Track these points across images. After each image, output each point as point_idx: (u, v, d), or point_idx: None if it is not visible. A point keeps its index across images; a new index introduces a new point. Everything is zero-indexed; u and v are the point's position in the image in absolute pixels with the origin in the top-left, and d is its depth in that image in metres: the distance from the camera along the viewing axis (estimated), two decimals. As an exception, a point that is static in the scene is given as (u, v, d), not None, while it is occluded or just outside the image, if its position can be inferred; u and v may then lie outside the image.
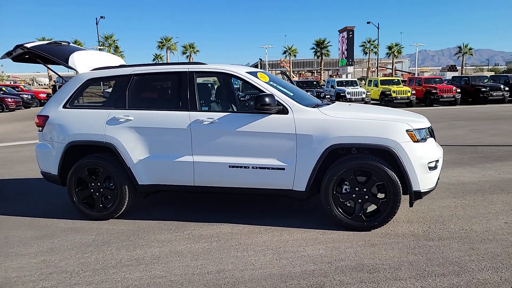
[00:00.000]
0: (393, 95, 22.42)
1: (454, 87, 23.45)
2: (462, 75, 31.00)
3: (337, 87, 23.53)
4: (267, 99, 3.96)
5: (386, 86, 23.58)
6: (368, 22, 44.73)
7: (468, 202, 4.80)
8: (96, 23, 42.54)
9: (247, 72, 4.41)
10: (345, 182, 4.01)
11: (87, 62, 4.97)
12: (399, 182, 3.84)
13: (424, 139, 3.96)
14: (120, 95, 4.54)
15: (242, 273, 3.22)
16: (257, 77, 4.37)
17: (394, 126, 3.88)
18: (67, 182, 4.62)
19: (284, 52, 57.18)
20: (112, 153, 4.50)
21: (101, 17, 43.05)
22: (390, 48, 55.39)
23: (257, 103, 3.98)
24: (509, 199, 4.88)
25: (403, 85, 24.64)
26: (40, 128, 4.81)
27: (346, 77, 39.98)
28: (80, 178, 4.61)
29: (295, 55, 57.45)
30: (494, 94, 23.43)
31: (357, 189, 3.96)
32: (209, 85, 6.19)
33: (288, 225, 4.23)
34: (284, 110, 4.09)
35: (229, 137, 4.17)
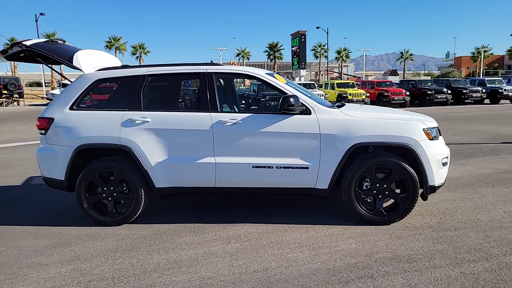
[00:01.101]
0: (349, 97, 23.41)
1: (404, 90, 24.95)
2: (410, 79, 32.97)
3: (261, 92, 23.99)
4: (292, 100, 4.07)
5: (342, 89, 24.55)
6: (317, 27, 46.22)
7: (463, 195, 5.21)
8: (36, 20, 40.08)
9: (266, 74, 4.49)
10: (366, 179, 4.21)
11: (91, 61, 4.78)
12: (417, 178, 4.10)
13: (436, 137, 4.26)
14: (134, 96, 4.42)
15: (289, 270, 3.29)
16: (276, 79, 4.46)
17: (413, 125, 4.14)
18: (76, 187, 4.41)
19: (238, 55, 57.51)
20: (127, 156, 4.37)
21: (41, 13, 40.61)
22: (339, 52, 57.64)
23: (284, 103, 4.08)
24: (496, 191, 5.36)
25: (357, 88, 25.76)
26: (43, 131, 4.54)
27: (300, 80, 40.97)
28: (90, 183, 4.42)
29: (248, 58, 57.89)
30: (439, 96, 25.21)
31: (377, 185, 4.18)
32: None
33: (309, 223, 4.35)
34: (306, 111, 4.21)
35: (252, 137, 4.22)
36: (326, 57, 54.32)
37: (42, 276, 3.31)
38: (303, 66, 43.45)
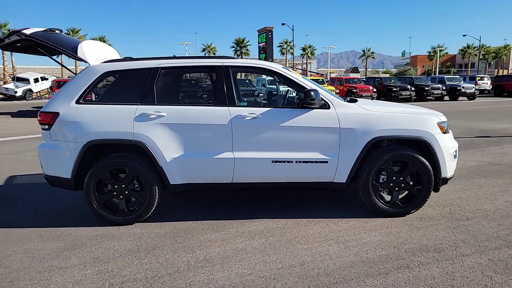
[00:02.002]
0: (320, 94, 23.77)
1: (371, 87, 25.70)
2: (375, 76, 34.03)
3: (268, 86, 24.15)
4: (313, 94, 4.06)
5: (313, 85, 24.87)
6: (283, 24, 46.56)
7: (462, 187, 5.43)
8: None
9: (283, 68, 4.45)
10: (383, 172, 4.29)
11: (94, 53, 4.55)
12: (432, 170, 4.23)
13: (448, 131, 4.41)
14: (147, 90, 4.24)
15: (325, 264, 3.29)
16: (293, 73, 4.44)
17: (428, 119, 4.26)
18: (84, 186, 4.18)
19: (203, 50, 56.88)
20: (140, 152, 4.20)
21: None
22: (304, 49, 58.47)
23: (306, 98, 4.06)
24: (490, 182, 5.63)
25: (327, 84, 26.24)
26: (46, 126, 4.26)
27: (267, 76, 41.00)
28: (99, 181, 4.22)
29: (214, 53, 57.32)
30: (403, 93, 26.21)
31: (394, 178, 4.27)
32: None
33: (326, 216, 4.37)
34: (325, 105, 4.22)
35: (272, 132, 4.17)
36: (292, 53, 54.95)
37: (68, 280, 3.11)
38: (270, 62, 43.54)
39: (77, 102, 4.23)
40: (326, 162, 4.20)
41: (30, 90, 31.98)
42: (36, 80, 32.51)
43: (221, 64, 4.32)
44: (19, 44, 4.57)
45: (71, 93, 4.28)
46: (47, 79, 34.00)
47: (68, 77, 39.23)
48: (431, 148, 4.20)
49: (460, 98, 28.19)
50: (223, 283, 3.01)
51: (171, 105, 4.24)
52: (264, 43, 44.57)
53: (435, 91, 27.27)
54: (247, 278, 3.09)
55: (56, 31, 4.67)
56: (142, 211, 4.25)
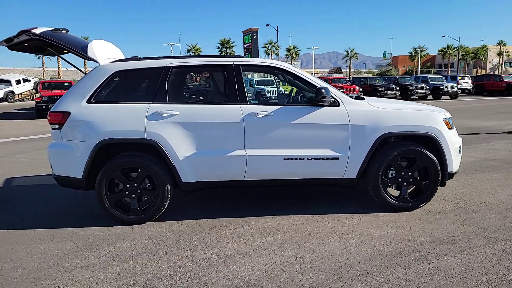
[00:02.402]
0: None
1: (357, 87, 26.05)
2: (361, 76, 34.51)
3: (256, 86, 24.24)
4: (324, 91, 4.13)
5: (300, 86, 25.05)
6: (267, 25, 46.74)
7: (462, 182, 5.58)
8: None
9: (292, 67, 4.51)
10: (391, 168, 4.38)
11: (103, 52, 4.52)
12: (439, 165, 4.34)
13: (452, 127, 4.54)
14: (158, 89, 4.24)
15: (345, 257, 3.35)
16: (302, 72, 4.50)
17: (435, 116, 4.38)
18: (96, 185, 4.16)
19: (188, 51, 56.48)
20: (152, 150, 4.19)
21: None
22: (289, 50, 58.84)
23: (318, 95, 4.13)
24: (489, 177, 5.81)
25: (314, 84, 26.44)
26: (57, 126, 4.22)
27: (253, 76, 41.08)
28: (111, 180, 4.19)
29: (199, 54, 57.15)
30: (389, 92, 26.64)
31: (402, 173, 4.37)
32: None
33: (335, 212, 4.43)
34: (335, 103, 4.29)
35: (284, 129, 4.22)
36: (277, 54, 55.18)
37: (91, 279, 3.09)
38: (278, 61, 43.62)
39: (88, 101, 4.20)
40: (337, 158, 4.27)
41: (12, 92, 31.31)
42: (18, 82, 31.84)
43: (231, 62, 4.35)
44: (27, 44, 4.50)
45: (82, 92, 4.24)
46: (29, 80, 33.33)
47: (51, 78, 38.42)
48: (438, 144, 4.31)
49: (443, 97, 28.81)
50: (248, 278, 3.04)
51: (183, 103, 4.25)
52: (249, 44, 44.55)
53: (419, 91, 27.80)
54: (271, 273, 3.12)
55: (63, 30, 4.63)
56: (155, 210, 4.24)
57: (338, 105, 4.30)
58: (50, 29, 4.41)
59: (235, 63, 4.35)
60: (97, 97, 4.24)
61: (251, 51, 43.69)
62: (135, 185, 4.20)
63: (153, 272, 3.18)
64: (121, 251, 3.60)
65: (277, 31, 47.66)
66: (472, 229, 3.87)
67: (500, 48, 69.44)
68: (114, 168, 4.14)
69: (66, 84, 20.67)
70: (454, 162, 4.42)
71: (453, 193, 5.03)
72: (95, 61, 4.37)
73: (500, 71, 68.35)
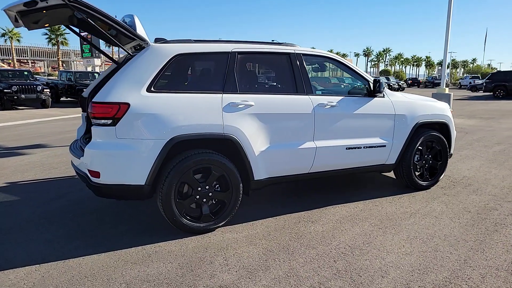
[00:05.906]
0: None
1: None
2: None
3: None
4: (381, 84, 4.41)
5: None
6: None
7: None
8: None
9: (345, 60, 4.60)
10: (417, 152, 4.95)
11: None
12: (448, 148, 5.13)
13: (453, 115, 5.40)
14: (228, 76, 3.77)
15: (448, 231, 3.73)
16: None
17: (446, 106, 5.16)
18: (162, 192, 3.46)
19: (3, 35, 47.22)
20: (227, 146, 3.72)
21: None
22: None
23: (377, 86, 4.37)
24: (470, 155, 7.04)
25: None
26: (110, 121, 3.32)
27: (93, 69, 37.41)
28: (181, 184, 3.56)
29: (18, 40, 48.45)
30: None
31: (425, 156, 5.00)
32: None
33: (369, 198, 4.72)
34: (382, 94, 4.61)
35: (347, 120, 4.31)
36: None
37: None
38: (97, 54, 39.67)
39: (149, 90, 3.44)
40: (384, 146, 4.60)
41: None
42: None
43: (293, 51, 4.18)
44: (46, 14, 3.34)
45: (139, 79, 3.44)
46: None
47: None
48: (449, 130, 5.10)
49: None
50: (391, 260, 3.12)
51: (254, 93, 3.88)
52: (87, 34, 40.28)
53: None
54: (416, 257, 3.26)
55: None
56: (226, 215, 3.78)
57: (383, 96, 4.62)
58: None
59: (296, 52, 4.19)
60: (157, 85, 3.50)
61: (90, 41, 39.58)
62: (207, 187, 3.65)
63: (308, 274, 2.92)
64: (248, 259, 3.14)
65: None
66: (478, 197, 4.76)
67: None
68: (186, 170, 3.51)
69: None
70: (453, 145, 5.29)
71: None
72: (144, 41, 3.60)
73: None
